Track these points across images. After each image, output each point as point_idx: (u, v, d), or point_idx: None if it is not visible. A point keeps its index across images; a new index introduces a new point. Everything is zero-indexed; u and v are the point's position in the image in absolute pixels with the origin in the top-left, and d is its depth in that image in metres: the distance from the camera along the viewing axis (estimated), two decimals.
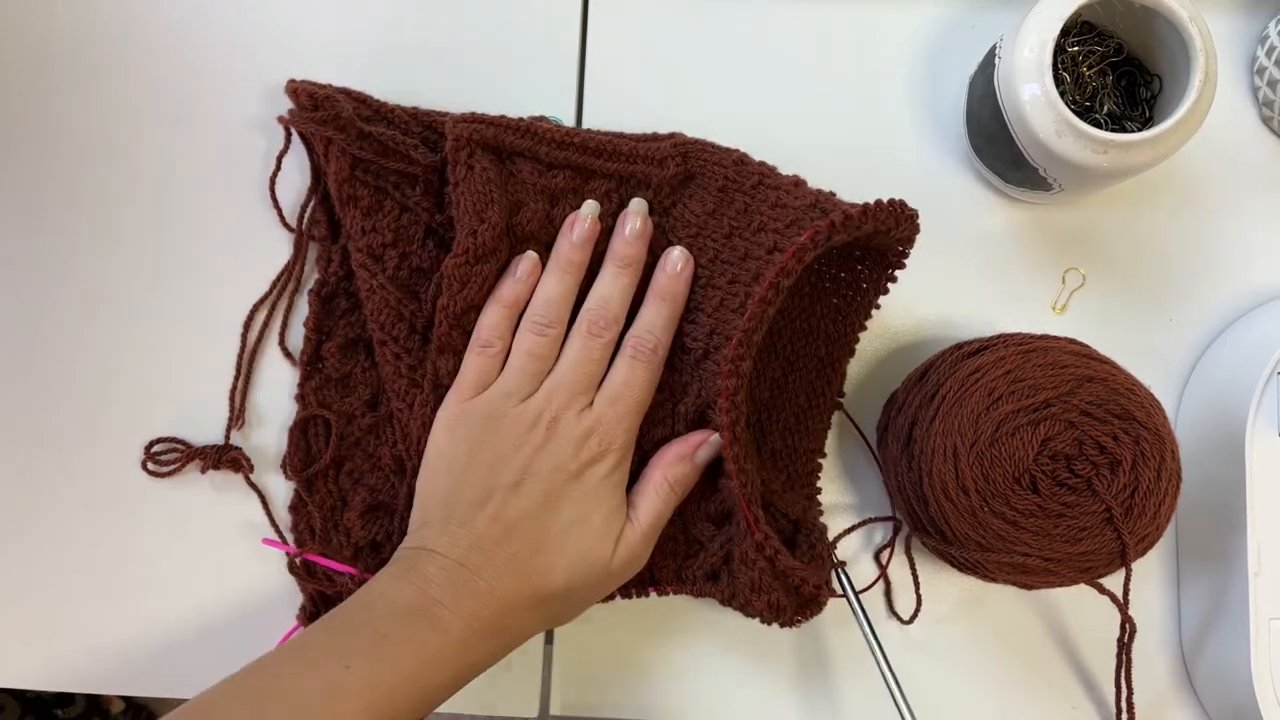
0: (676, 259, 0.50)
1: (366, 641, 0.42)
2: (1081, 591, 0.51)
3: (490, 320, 0.50)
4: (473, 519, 0.46)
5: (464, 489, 0.47)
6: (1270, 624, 0.49)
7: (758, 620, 0.49)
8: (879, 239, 0.47)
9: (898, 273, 0.51)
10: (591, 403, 0.48)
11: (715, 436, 0.50)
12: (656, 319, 0.50)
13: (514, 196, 0.51)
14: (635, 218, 0.51)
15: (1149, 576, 0.54)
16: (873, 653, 0.49)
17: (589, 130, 0.52)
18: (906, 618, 0.53)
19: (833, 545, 0.53)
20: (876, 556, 0.54)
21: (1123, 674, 0.50)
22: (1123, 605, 0.48)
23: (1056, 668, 0.54)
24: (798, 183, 0.50)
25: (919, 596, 0.52)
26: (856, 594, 0.50)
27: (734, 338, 0.46)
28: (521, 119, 0.51)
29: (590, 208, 0.51)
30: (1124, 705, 0.50)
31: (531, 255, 0.50)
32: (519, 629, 0.46)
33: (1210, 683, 0.52)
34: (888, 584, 0.54)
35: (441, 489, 0.47)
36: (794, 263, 0.45)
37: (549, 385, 0.48)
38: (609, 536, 0.47)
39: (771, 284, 0.45)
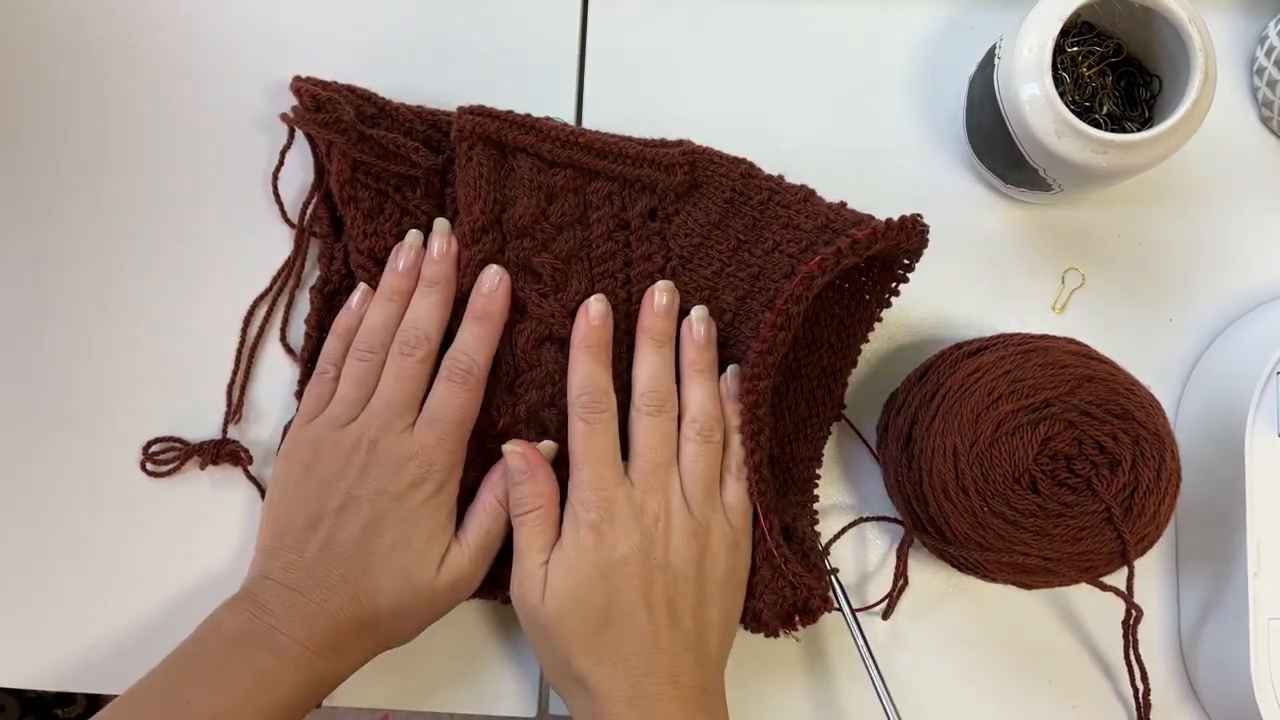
0: (491, 279, 0.50)
1: (204, 672, 0.44)
2: (1081, 591, 0.51)
3: (327, 348, 0.51)
4: (304, 544, 0.47)
5: (296, 515, 0.48)
6: (1270, 624, 0.49)
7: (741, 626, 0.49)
8: (887, 250, 0.47)
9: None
10: (414, 424, 0.49)
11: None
12: (471, 340, 0.50)
13: (508, 192, 0.51)
14: (439, 238, 0.51)
15: (1148, 576, 0.54)
16: (864, 662, 0.49)
17: (596, 131, 0.52)
18: (909, 615, 0.53)
19: (826, 550, 0.53)
20: (900, 560, 0.53)
21: (1131, 653, 0.50)
22: (1128, 595, 0.48)
23: (1056, 667, 0.54)
24: (807, 197, 0.49)
25: (893, 595, 0.53)
26: (850, 602, 0.50)
27: (749, 359, 0.47)
28: (528, 115, 0.51)
29: (414, 236, 0.51)
30: (1138, 685, 0.51)
31: (363, 287, 0.52)
32: (355, 650, 0.47)
33: (1210, 682, 0.52)
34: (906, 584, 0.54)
35: (277, 516, 0.49)
36: (803, 289, 0.46)
37: (369, 408, 0.49)
38: (430, 558, 0.47)
39: (782, 311, 0.46)
